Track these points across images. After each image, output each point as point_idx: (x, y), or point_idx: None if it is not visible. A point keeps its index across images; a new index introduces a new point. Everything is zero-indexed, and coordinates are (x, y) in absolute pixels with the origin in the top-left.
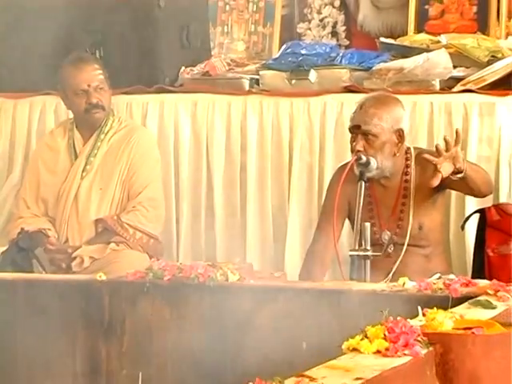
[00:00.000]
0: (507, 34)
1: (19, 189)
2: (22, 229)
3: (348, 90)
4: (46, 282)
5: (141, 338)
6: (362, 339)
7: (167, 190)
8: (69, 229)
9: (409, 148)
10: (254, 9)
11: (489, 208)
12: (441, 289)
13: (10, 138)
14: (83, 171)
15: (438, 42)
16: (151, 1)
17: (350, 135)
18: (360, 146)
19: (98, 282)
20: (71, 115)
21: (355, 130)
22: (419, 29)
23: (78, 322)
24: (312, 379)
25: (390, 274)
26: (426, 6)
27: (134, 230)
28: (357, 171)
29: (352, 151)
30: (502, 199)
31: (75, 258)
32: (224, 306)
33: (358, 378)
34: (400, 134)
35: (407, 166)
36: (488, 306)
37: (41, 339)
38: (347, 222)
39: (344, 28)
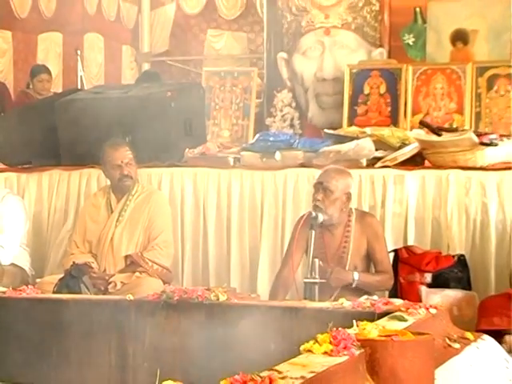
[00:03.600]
0: (412, 127)
1: (71, 234)
2: (74, 262)
3: (302, 165)
4: (91, 301)
5: (157, 340)
6: (314, 343)
7: (175, 235)
8: (106, 262)
9: (351, 208)
10: (236, 108)
11: (400, 249)
12: (368, 306)
13: (65, 198)
14: (117, 221)
15: (364, 132)
16: (165, 103)
17: (303, 197)
18: (319, 196)
19: (127, 300)
20: (109, 182)
21: (318, 185)
22: (350, 123)
23: (112, 329)
24: (279, 372)
25: (333, 297)
26: (355, 107)
27: (153, 263)
28: (309, 222)
29: (313, 200)
30: (410, 242)
31: (111, 282)
32: (216, 317)
33: (311, 371)
34: (348, 196)
35: (349, 221)
36: (402, 319)
37: (86, 341)
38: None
39: (298, 122)
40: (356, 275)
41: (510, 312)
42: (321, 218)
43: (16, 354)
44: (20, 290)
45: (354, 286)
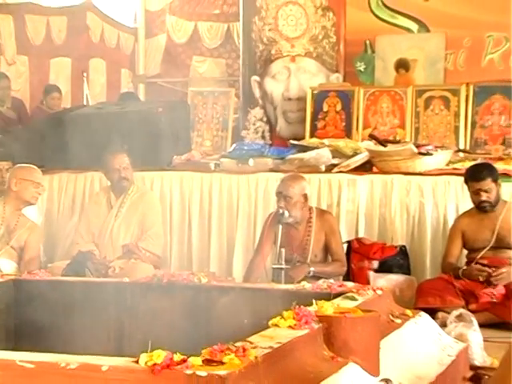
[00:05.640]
0: (362, 139)
1: (77, 226)
2: (79, 250)
3: (271, 170)
4: (93, 283)
5: (149, 316)
6: (280, 319)
7: (164, 228)
8: (106, 250)
9: (311, 207)
10: (216, 122)
11: (352, 240)
12: (325, 288)
13: (72, 197)
14: (115, 216)
15: (323, 143)
16: (156, 117)
17: (272, 197)
18: (282, 204)
19: (124, 282)
20: (109, 183)
21: (279, 194)
22: (312, 135)
23: (111, 306)
24: (251, 343)
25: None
26: (316, 122)
27: (146, 251)
28: (276, 219)
29: (277, 206)
30: (360, 235)
31: (110, 267)
32: (198, 297)
33: (278, 342)
34: (305, 197)
35: (311, 218)
36: (353, 299)
37: (89, 316)
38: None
39: (269, 134)
40: (312, 269)
41: (442, 293)
42: (286, 214)
43: (31, 327)
44: (34, 274)
45: (311, 275)
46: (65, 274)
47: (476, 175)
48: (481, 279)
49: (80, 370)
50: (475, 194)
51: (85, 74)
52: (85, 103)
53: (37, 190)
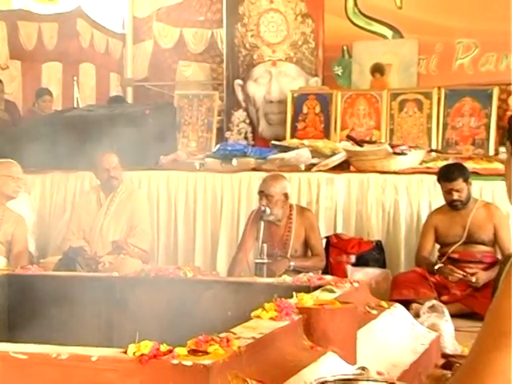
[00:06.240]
0: (340, 140)
1: (69, 224)
2: (70, 246)
3: (254, 169)
4: (84, 277)
5: (137, 308)
6: (262, 311)
7: (152, 224)
8: (96, 246)
9: (291, 204)
10: (201, 123)
11: (331, 235)
12: (305, 281)
13: (64, 195)
14: (105, 214)
15: (303, 144)
16: (144, 119)
17: (255, 195)
18: (263, 202)
19: (114, 277)
20: (99, 182)
21: (261, 193)
22: (292, 136)
23: (101, 299)
24: (234, 333)
25: (277, 274)
26: (296, 124)
27: (134, 247)
28: (258, 216)
29: (259, 204)
30: (338, 230)
31: (100, 262)
32: (184, 290)
33: (260, 333)
34: (286, 195)
35: (291, 214)
36: (331, 291)
37: (80, 309)
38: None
39: (251, 135)
40: (292, 263)
41: (416, 285)
42: (268, 211)
43: (23, 319)
44: (27, 269)
45: (291, 269)
46: (57, 268)
47: (448, 176)
48: (451, 280)
49: (71, 360)
50: (447, 193)
51: (75, 78)
52: (75, 106)
53: (16, 183)
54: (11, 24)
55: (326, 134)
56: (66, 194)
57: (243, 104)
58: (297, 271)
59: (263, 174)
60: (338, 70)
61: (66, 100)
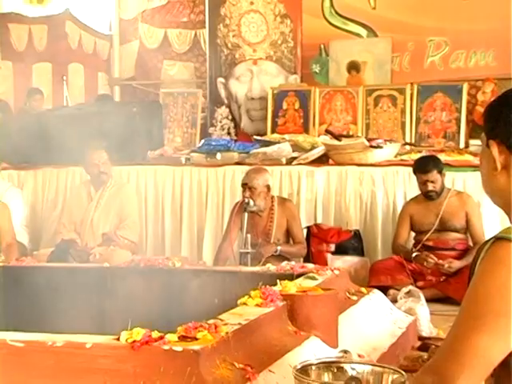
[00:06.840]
0: (319, 134)
1: (60, 217)
2: (62, 238)
3: (237, 163)
4: (76, 268)
5: (128, 297)
6: (248, 298)
7: (140, 217)
8: (88, 238)
9: (273, 196)
10: (186, 120)
11: (312, 226)
12: (288, 270)
13: (55, 190)
14: (95, 207)
15: (284, 138)
16: (132, 116)
17: (238, 188)
18: (247, 194)
19: (104, 267)
20: (89, 177)
21: (244, 185)
22: (273, 131)
23: (93, 289)
24: (222, 320)
25: (261, 263)
26: (277, 119)
27: (123, 238)
28: (242, 207)
29: (243, 196)
30: (318, 221)
31: (91, 254)
32: (173, 279)
33: (246, 319)
34: (268, 187)
35: (273, 206)
36: (313, 278)
37: (73, 298)
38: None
39: (234, 130)
40: (279, 248)
41: (393, 272)
42: (251, 203)
43: (19, 309)
44: (21, 261)
45: (277, 254)
46: (49, 260)
47: (423, 168)
48: (427, 265)
49: (66, 347)
50: (423, 184)
51: (64, 78)
52: (65, 104)
53: None
54: (2, 27)
55: (306, 128)
56: (57, 188)
57: (226, 101)
58: (282, 257)
59: (246, 168)
60: (316, 68)
61: (56, 99)
